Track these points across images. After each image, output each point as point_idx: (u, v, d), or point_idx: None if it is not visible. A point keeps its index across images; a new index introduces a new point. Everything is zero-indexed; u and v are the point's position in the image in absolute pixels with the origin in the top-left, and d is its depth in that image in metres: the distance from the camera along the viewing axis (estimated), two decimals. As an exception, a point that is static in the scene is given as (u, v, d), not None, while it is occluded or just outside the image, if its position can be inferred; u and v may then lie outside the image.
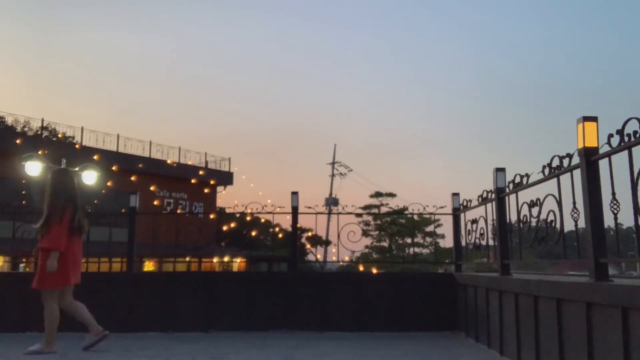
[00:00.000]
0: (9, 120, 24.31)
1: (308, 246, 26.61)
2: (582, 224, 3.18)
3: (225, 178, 30.48)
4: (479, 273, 5.79)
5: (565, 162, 3.39)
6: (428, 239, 29.24)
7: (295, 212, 6.36)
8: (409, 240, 29.03)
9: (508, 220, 4.60)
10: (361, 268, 11.36)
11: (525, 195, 4.13)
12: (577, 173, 3.23)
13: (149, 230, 6.56)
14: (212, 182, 28.31)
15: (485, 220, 5.17)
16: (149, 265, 20.95)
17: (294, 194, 6.38)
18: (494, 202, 4.82)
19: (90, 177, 17.39)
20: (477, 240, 5.44)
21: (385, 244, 30.22)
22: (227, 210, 6.86)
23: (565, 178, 3.40)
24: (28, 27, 53.87)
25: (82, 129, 24.65)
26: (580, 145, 3.14)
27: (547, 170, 3.63)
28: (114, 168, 22.02)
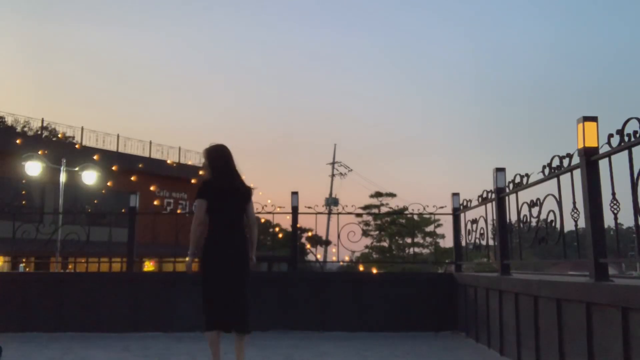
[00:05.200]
0: (9, 120, 24.34)
1: (308, 246, 26.61)
2: (582, 224, 3.18)
3: (226, 178, 30.41)
4: (479, 273, 5.79)
5: (565, 162, 3.39)
6: (428, 239, 29.21)
7: (295, 212, 6.36)
8: (409, 240, 29.00)
9: (508, 220, 4.60)
10: (361, 268, 11.38)
11: (525, 195, 4.13)
12: (577, 173, 3.23)
13: (149, 230, 6.55)
14: (212, 182, 28.24)
15: (485, 220, 5.17)
16: (149, 265, 20.95)
17: (294, 194, 6.38)
18: (494, 202, 4.82)
19: (90, 177, 17.41)
20: (477, 240, 5.44)
21: (385, 244, 30.18)
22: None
23: (565, 178, 3.40)
24: (28, 26, 53.87)
25: (82, 129, 24.65)
26: (580, 145, 3.14)
27: (547, 170, 3.62)
28: (114, 168, 22.01)
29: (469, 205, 5.78)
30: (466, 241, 5.92)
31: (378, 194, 31.57)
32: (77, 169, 17.26)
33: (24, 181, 19.52)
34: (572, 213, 3.23)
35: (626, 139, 2.73)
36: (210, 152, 3.78)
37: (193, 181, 26.28)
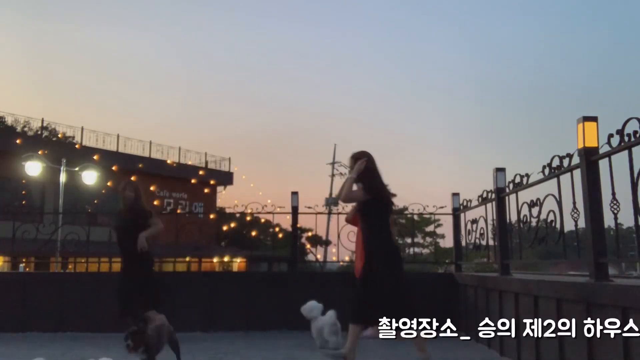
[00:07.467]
0: (9, 120, 24.31)
1: (308, 246, 26.58)
2: (582, 224, 3.18)
3: (225, 178, 30.47)
4: (479, 273, 5.78)
5: (566, 162, 3.39)
6: (428, 239, 29.18)
7: (295, 212, 6.36)
8: (409, 240, 28.99)
9: (508, 220, 4.60)
10: (361, 268, 11.34)
11: (525, 195, 4.13)
12: (577, 173, 3.23)
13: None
14: (212, 182, 28.29)
15: (485, 220, 5.17)
16: (149, 265, 20.91)
17: (294, 194, 6.38)
18: (494, 202, 4.82)
19: (90, 177, 17.40)
20: (477, 240, 5.44)
21: (385, 244, 30.10)
22: (227, 210, 6.89)
23: (565, 178, 3.40)
24: (28, 26, 53.89)
25: (82, 129, 24.64)
26: (580, 145, 3.14)
27: (547, 170, 3.62)
28: (114, 168, 22.01)
29: (469, 205, 5.78)
30: (466, 241, 5.92)
31: (378, 194, 31.47)
32: (77, 169, 17.26)
33: (24, 181, 19.53)
34: (572, 213, 3.23)
35: (626, 139, 2.73)
36: None
37: (193, 181, 26.28)
